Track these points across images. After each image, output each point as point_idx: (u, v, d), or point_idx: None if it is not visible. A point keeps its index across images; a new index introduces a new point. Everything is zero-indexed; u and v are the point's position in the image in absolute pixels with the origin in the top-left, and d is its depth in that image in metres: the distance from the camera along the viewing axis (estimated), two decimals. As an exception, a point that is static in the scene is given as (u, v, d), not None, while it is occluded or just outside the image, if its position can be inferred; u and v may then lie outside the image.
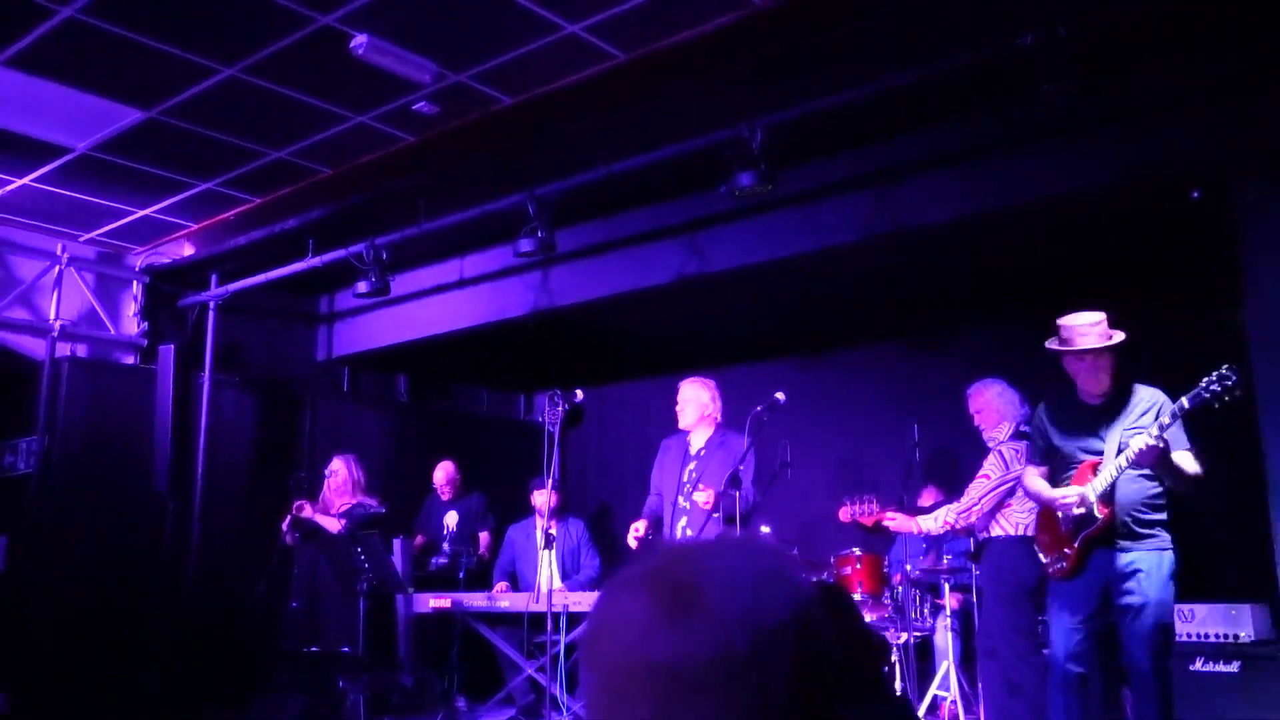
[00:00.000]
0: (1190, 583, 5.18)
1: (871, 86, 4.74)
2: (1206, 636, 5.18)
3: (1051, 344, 4.42)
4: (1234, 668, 4.95)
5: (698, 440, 5.99)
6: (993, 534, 5.32)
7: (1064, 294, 6.61)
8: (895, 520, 5.78)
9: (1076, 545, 4.30)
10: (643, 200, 6.44)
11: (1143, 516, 4.26)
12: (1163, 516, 4.29)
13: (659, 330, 8.01)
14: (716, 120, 5.16)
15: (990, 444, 5.43)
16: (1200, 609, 5.23)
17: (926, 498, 6.57)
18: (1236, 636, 5.10)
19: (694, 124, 5.30)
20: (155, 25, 4.73)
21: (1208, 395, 3.99)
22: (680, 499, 5.90)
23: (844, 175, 5.73)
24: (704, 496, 5.58)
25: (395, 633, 6.77)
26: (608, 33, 4.75)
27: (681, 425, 6.05)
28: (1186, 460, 4.22)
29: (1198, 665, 5.01)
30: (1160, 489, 4.30)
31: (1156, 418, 4.20)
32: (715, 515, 5.48)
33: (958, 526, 5.51)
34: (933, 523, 5.62)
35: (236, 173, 6.35)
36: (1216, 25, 4.37)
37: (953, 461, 6.72)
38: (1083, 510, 4.27)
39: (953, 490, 6.19)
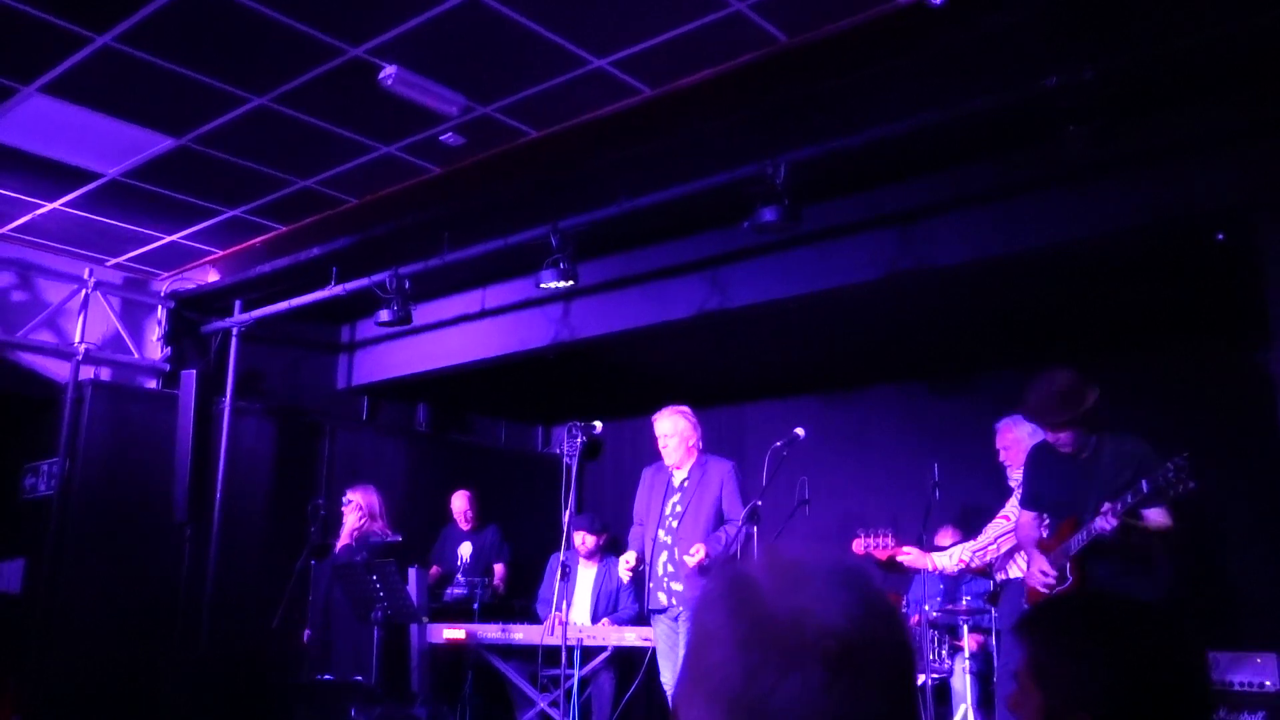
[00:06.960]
0: (1214, 631, 5.10)
1: (896, 125, 4.75)
2: (1231, 685, 5.09)
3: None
4: (1259, 718, 4.86)
5: (681, 471, 5.90)
6: (1011, 576, 5.27)
7: (1088, 335, 6.63)
8: (910, 556, 5.72)
9: None
10: (665, 235, 6.45)
11: (1120, 570, 4.23)
12: (1143, 564, 4.24)
13: (679, 365, 8.00)
14: (740, 156, 5.17)
15: (1013, 484, 5.38)
16: (1224, 657, 5.14)
17: (944, 537, 6.50)
18: (1262, 685, 5.01)
19: (718, 159, 5.31)
20: (188, 55, 4.80)
21: (1162, 483, 3.92)
22: (661, 533, 5.81)
23: (867, 213, 5.72)
24: (694, 559, 5.48)
25: (409, 663, 6.72)
26: (634, 68, 4.79)
27: (668, 464, 5.92)
28: (1156, 518, 4.17)
29: (1221, 715, 4.92)
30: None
31: (1135, 476, 4.13)
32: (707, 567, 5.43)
33: (972, 565, 5.46)
34: (947, 560, 5.57)
35: (263, 201, 6.41)
36: (1240, 68, 4.37)
37: (972, 502, 6.66)
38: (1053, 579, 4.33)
39: (971, 531, 6.14)
